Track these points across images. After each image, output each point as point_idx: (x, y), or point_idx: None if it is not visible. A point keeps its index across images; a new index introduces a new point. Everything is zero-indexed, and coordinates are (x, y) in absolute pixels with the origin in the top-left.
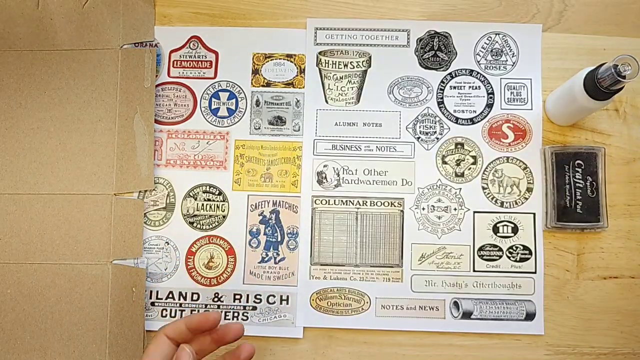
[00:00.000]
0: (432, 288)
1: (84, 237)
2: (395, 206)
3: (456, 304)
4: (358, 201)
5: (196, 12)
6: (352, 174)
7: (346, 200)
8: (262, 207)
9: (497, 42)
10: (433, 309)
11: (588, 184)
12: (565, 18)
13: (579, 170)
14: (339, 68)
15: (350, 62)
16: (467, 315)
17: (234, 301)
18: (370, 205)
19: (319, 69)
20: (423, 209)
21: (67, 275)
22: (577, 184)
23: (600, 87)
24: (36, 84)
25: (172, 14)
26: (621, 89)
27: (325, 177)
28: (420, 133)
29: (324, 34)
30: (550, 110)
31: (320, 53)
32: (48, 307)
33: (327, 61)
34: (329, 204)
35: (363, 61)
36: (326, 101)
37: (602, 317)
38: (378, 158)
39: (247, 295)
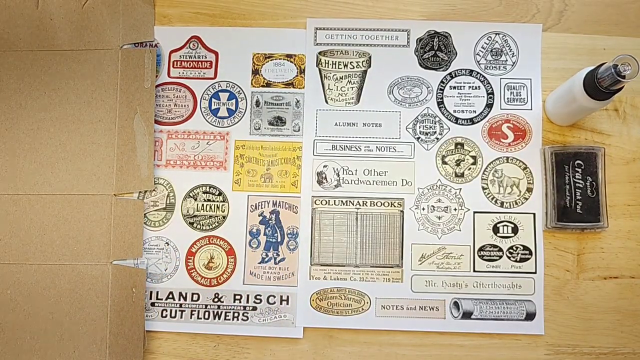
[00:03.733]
0: (432, 288)
1: (84, 238)
2: (395, 206)
3: (456, 304)
4: (358, 201)
5: (196, 12)
6: (352, 174)
7: (346, 201)
8: (262, 208)
9: (497, 42)
10: (433, 309)
11: (588, 184)
12: (565, 18)
13: (579, 170)
14: (338, 68)
15: (350, 62)
16: (467, 315)
17: (234, 301)
18: (370, 206)
19: (319, 69)
20: (423, 209)
21: (67, 275)
22: (577, 184)
23: (600, 87)
24: (36, 84)
25: (172, 14)
26: (621, 89)
27: (325, 178)
28: (420, 133)
29: (324, 34)
30: (550, 110)
31: (320, 53)
32: (48, 307)
33: (327, 61)
34: (329, 204)
35: (363, 61)
36: (326, 101)
37: (602, 317)
38: (378, 158)
39: (247, 296)
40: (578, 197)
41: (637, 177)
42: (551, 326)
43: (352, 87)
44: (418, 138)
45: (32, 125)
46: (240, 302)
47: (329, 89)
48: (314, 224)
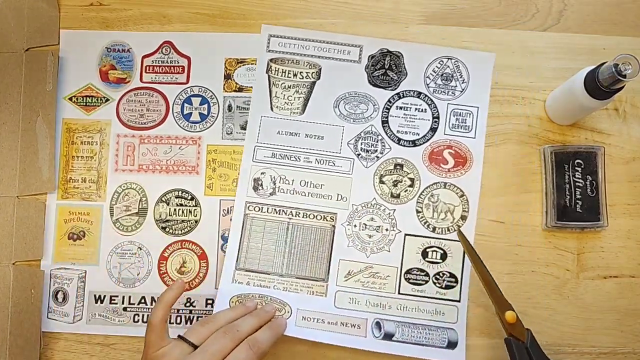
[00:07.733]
0: (356, 306)
1: None
2: (327, 220)
3: (378, 325)
4: (291, 211)
5: (196, 12)
6: (289, 183)
7: (279, 210)
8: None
9: (448, 66)
10: (355, 327)
11: (588, 183)
12: (565, 17)
13: (579, 169)
14: (287, 77)
15: (300, 73)
16: (388, 336)
17: (206, 306)
18: (303, 217)
19: (268, 75)
20: (355, 226)
21: None
22: (577, 183)
23: (601, 86)
24: None
25: (171, 14)
26: (621, 88)
27: (262, 184)
28: (361, 150)
29: (277, 42)
30: (551, 110)
31: (271, 60)
32: None
33: (277, 69)
34: (261, 212)
35: (313, 72)
36: (271, 109)
37: (602, 317)
38: (316, 171)
39: None
40: (578, 197)
41: (637, 177)
42: (551, 326)
43: (298, 97)
44: (358, 155)
45: None
46: (212, 306)
47: (275, 96)
48: (245, 229)
